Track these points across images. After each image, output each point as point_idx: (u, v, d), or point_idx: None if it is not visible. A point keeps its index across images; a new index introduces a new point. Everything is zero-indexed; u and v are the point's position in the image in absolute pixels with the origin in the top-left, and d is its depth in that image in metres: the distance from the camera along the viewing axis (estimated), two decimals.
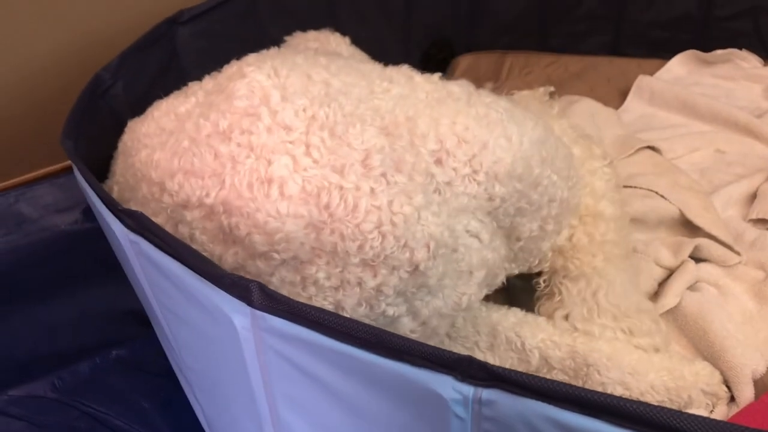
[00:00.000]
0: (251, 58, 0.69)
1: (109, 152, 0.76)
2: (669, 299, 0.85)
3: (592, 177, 0.79)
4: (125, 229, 0.58)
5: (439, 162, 0.63)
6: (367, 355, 0.45)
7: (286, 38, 0.94)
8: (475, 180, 0.64)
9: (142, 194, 0.64)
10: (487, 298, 0.75)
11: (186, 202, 0.60)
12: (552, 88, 1.11)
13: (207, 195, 0.58)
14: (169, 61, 0.98)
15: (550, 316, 0.78)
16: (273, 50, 0.75)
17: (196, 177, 0.59)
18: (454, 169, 0.63)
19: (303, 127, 0.59)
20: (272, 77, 0.63)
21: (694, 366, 0.76)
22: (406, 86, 0.67)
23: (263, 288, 0.48)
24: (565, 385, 0.41)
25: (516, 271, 0.76)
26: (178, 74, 1.00)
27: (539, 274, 0.80)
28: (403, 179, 0.60)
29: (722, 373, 0.77)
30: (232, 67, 0.68)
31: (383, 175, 0.59)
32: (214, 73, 0.71)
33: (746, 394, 0.75)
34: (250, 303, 0.48)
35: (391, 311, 0.61)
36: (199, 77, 1.01)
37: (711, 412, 0.75)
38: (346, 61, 0.71)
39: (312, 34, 0.94)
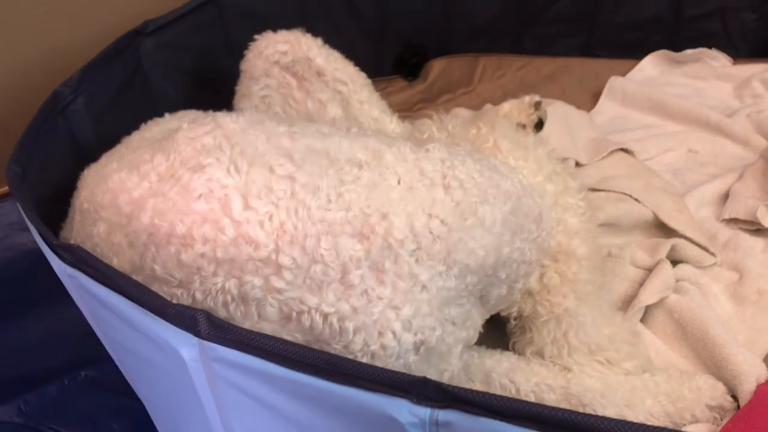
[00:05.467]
0: (209, 138, 0.62)
1: (66, 173, 0.74)
2: (645, 296, 0.84)
3: (565, 213, 0.76)
4: (63, 264, 0.55)
5: (417, 261, 0.60)
6: (319, 381, 0.44)
7: (256, 37, 0.92)
8: (451, 275, 0.61)
9: None
10: None
11: None
12: (537, 97, 1.10)
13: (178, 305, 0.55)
14: (133, 72, 0.96)
15: (521, 353, 0.77)
16: (230, 119, 0.66)
17: (160, 283, 0.56)
18: (431, 267, 0.60)
19: (272, 243, 0.55)
20: (232, 174, 0.58)
21: (695, 381, 0.74)
22: (376, 170, 0.62)
23: (210, 317, 0.47)
24: (522, 402, 0.40)
25: (488, 316, 0.74)
26: (142, 86, 0.99)
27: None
28: (386, 292, 0.57)
29: (726, 382, 0.75)
30: (187, 144, 0.61)
31: (364, 292, 0.56)
32: (166, 142, 0.63)
33: None
34: (197, 333, 0.47)
35: None
36: (164, 89, 1.01)
37: (719, 425, 0.71)
38: (311, 141, 0.65)
39: (282, 35, 0.91)
